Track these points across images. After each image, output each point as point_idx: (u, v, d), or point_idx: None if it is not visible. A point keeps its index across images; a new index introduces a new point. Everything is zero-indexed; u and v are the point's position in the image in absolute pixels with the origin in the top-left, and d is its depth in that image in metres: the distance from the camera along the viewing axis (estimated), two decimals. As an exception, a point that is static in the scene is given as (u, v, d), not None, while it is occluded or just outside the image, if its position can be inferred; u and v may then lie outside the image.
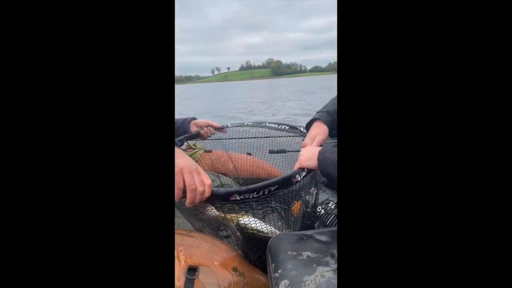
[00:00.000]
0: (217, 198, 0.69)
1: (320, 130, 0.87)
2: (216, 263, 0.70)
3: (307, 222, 0.96)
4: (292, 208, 0.87)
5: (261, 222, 0.77)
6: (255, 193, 0.68)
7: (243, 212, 0.79)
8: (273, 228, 0.79)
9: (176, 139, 1.21)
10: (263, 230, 0.76)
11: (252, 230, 0.76)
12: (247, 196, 0.68)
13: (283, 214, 0.91)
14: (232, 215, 0.75)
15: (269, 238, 0.77)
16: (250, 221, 0.75)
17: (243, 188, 0.72)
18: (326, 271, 0.50)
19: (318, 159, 0.73)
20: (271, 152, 1.31)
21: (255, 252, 0.80)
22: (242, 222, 0.75)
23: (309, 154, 0.76)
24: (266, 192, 0.69)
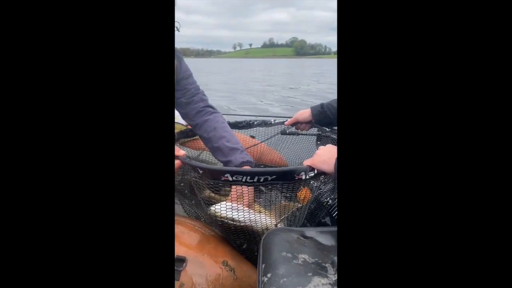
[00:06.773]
0: (209, 176, 0.66)
1: (301, 114, 1.10)
2: (205, 254, 0.66)
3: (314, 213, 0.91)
4: (298, 194, 0.80)
5: (236, 208, 0.70)
6: (248, 177, 0.63)
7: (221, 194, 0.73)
8: (250, 215, 0.71)
9: None
10: (238, 218, 0.70)
11: (224, 218, 0.70)
12: (240, 179, 0.63)
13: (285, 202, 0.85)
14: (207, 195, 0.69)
15: (244, 227, 0.72)
16: (221, 209, 0.69)
17: (236, 169, 0.67)
18: (323, 284, 0.44)
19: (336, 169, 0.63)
20: (283, 133, 1.27)
21: (233, 241, 0.75)
22: (213, 210, 0.70)
23: (326, 156, 0.65)
24: (261, 180, 0.63)
